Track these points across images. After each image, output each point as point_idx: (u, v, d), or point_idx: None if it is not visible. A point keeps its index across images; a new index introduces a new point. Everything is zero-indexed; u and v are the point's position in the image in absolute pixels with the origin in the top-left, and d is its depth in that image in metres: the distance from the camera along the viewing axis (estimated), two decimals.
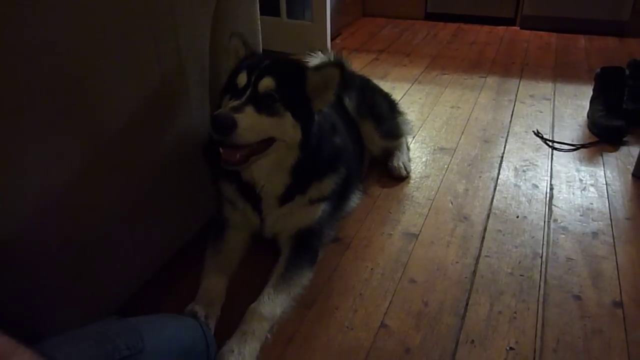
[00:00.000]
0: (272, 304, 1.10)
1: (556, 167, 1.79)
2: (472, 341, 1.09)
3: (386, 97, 1.84)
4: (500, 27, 3.59)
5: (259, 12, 1.38)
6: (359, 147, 1.63)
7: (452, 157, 1.85)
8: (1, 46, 0.73)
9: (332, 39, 2.71)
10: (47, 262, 0.88)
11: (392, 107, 1.83)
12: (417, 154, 1.87)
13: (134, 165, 1.05)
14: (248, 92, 1.08)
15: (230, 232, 1.30)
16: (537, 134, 2.01)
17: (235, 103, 1.06)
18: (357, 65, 2.74)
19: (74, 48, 0.84)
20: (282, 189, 1.22)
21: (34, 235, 0.85)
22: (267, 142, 1.11)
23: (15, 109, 0.77)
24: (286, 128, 1.12)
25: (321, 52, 1.77)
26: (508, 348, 1.07)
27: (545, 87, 2.51)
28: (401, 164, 1.71)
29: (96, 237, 0.97)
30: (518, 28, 3.57)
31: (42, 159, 0.83)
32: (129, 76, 0.98)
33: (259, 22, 1.39)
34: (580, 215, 1.51)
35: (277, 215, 1.26)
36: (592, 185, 1.67)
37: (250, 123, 1.04)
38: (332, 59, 1.72)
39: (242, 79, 1.11)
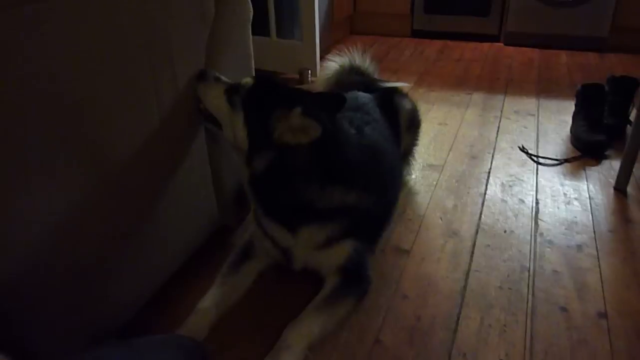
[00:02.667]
0: (310, 322, 1.12)
1: (541, 181, 1.84)
2: (464, 355, 1.12)
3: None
4: (485, 44, 3.68)
5: (251, 37, 1.42)
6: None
7: (441, 173, 1.90)
8: (2, 77, 0.75)
9: (321, 57, 2.76)
10: (47, 288, 0.90)
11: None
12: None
13: (133, 193, 1.07)
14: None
15: (249, 262, 1.32)
16: (523, 149, 2.07)
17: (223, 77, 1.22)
18: None
19: (73, 80, 0.87)
20: (252, 201, 1.24)
21: (34, 264, 0.87)
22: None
23: (17, 142, 0.80)
24: (234, 123, 1.16)
25: (350, 53, 1.87)
26: None
27: (529, 103, 2.58)
28: None
29: (96, 263, 0.99)
30: (502, 44, 3.66)
31: (45, 190, 0.85)
32: (128, 106, 1.01)
33: (252, 47, 1.43)
34: (565, 229, 1.56)
35: (294, 245, 1.23)
36: (575, 199, 1.73)
37: (208, 88, 1.19)
38: (354, 60, 1.84)
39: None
